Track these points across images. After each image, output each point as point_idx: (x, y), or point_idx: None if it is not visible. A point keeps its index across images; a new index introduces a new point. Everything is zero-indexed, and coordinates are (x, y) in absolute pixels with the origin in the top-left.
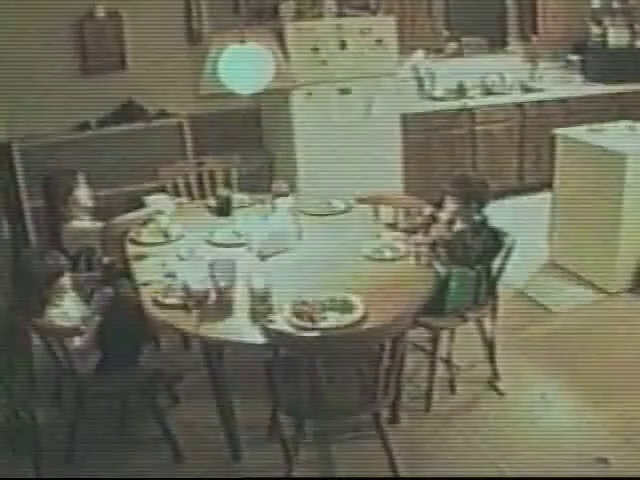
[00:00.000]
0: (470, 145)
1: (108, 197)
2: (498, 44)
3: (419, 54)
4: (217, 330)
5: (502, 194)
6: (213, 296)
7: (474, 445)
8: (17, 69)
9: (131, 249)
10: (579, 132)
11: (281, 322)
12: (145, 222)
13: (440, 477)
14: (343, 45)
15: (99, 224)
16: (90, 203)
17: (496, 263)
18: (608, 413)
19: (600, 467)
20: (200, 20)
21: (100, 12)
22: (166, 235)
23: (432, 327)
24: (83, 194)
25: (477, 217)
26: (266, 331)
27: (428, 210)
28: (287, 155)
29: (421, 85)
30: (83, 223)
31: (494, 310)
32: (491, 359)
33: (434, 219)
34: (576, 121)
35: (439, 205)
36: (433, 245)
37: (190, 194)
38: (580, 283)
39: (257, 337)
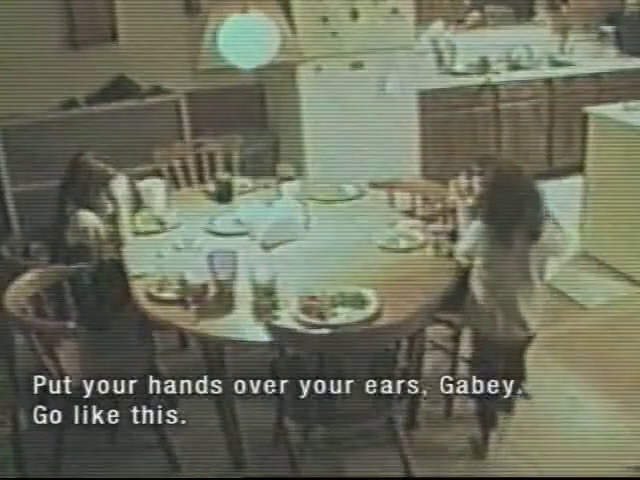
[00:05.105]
0: (494, 125)
1: None
2: (525, 14)
3: (438, 25)
4: (217, 327)
5: None
6: (213, 290)
7: (497, 453)
8: None
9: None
10: (613, 110)
11: (287, 318)
12: (138, 209)
13: (450, 477)
14: (355, 15)
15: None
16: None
17: None
18: None
19: (638, 475)
20: None
21: None
22: (161, 223)
23: (453, 324)
24: (121, 185)
25: None
26: (270, 328)
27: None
28: (293, 135)
29: (440, 59)
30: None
31: None
32: None
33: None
34: (610, 98)
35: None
36: (454, 234)
37: (188, 178)
38: (614, 276)
39: (260, 335)
